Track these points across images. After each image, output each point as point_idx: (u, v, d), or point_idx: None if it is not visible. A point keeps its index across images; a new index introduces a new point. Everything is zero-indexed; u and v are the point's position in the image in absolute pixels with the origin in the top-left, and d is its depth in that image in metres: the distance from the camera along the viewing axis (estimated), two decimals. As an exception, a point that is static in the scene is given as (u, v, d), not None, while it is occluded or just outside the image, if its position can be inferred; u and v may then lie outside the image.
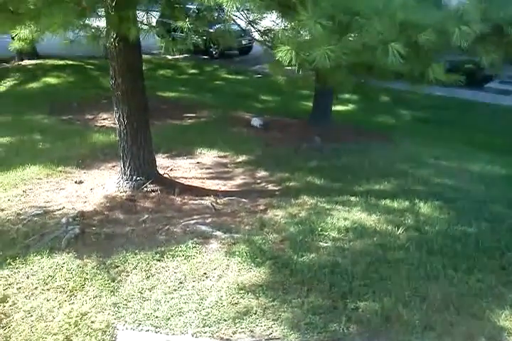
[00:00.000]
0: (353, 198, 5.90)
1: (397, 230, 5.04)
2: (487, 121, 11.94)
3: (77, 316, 3.84)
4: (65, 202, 5.96)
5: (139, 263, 4.53)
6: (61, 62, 15.24)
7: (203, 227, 5.14)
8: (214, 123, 9.65)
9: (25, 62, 15.38)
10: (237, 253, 4.58)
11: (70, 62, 15.28)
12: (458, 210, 5.67)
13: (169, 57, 18.51)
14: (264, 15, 4.25)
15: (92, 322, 3.81)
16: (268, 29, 6.93)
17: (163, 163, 7.38)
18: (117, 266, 4.52)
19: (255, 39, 6.77)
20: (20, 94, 12.24)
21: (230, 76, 16.27)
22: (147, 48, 20.49)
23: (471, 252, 4.66)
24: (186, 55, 18.96)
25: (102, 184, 6.44)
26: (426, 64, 3.32)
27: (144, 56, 19.07)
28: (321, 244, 4.77)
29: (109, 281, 4.31)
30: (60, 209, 5.73)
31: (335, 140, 8.86)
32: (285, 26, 4.08)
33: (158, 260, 4.58)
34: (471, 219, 5.40)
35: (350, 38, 3.25)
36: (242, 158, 7.56)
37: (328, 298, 3.97)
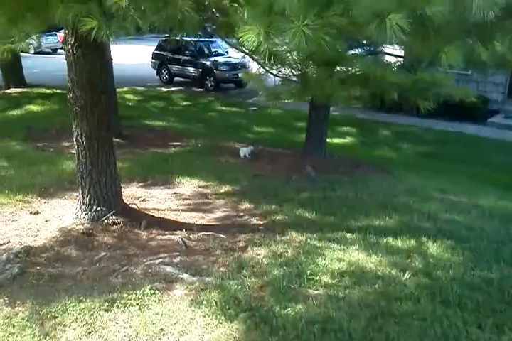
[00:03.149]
0: (349, 235, 5.03)
1: (403, 275, 4.15)
2: (491, 156, 11.25)
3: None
4: (12, 235, 5.09)
5: (81, 313, 3.61)
6: (48, 91, 14.78)
7: (168, 268, 4.24)
8: (199, 152, 8.89)
9: (12, 90, 14.95)
10: (204, 302, 3.67)
11: (58, 91, 14.76)
12: (473, 251, 4.79)
13: (164, 89, 18.17)
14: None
15: None
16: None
17: (135, 192, 6.56)
18: (54, 317, 3.59)
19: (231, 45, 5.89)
20: (-1, 121, 11.60)
21: (224, 108, 15.77)
22: (141, 80, 20.11)
23: (496, 304, 3.74)
24: (181, 88, 18.64)
25: (60, 215, 5.58)
26: (438, 46, 2.50)
27: (137, 88, 18.66)
28: (310, 291, 3.86)
29: (40, 337, 3.38)
30: (3, 244, 4.86)
31: (330, 171, 8.09)
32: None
33: (106, 310, 3.66)
34: (490, 262, 4.52)
35: (333, 12, 2.45)
36: (225, 189, 6.73)
37: (318, 365, 3.04)
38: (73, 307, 3.68)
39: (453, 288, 3.95)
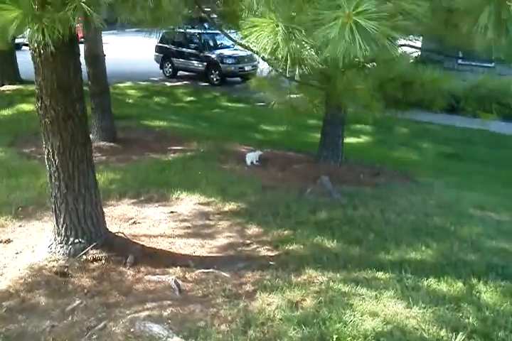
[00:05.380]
0: (380, 274, 4.11)
1: (455, 338, 3.23)
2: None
3: None
4: (-27, 274, 4.24)
5: None
6: (43, 88, 13.85)
7: (155, 328, 3.34)
8: (201, 158, 7.96)
9: (5, 87, 14.08)
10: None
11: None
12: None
13: (167, 84, 17.26)
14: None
15: None
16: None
17: (126, 212, 5.68)
18: None
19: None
20: (-15, 123, 10.77)
21: (229, 104, 14.88)
22: (144, 75, 19.14)
23: None
24: (186, 82, 17.71)
25: (34, 245, 4.70)
26: None
27: (141, 83, 17.70)
28: (337, 366, 2.97)
29: None
30: (-42, 288, 4.00)
31: (348, 181, 7.18)
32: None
33: None
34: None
35: None
36: (229, 207, 5.82)
37: None
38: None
39: (524, 359, 3.03)
